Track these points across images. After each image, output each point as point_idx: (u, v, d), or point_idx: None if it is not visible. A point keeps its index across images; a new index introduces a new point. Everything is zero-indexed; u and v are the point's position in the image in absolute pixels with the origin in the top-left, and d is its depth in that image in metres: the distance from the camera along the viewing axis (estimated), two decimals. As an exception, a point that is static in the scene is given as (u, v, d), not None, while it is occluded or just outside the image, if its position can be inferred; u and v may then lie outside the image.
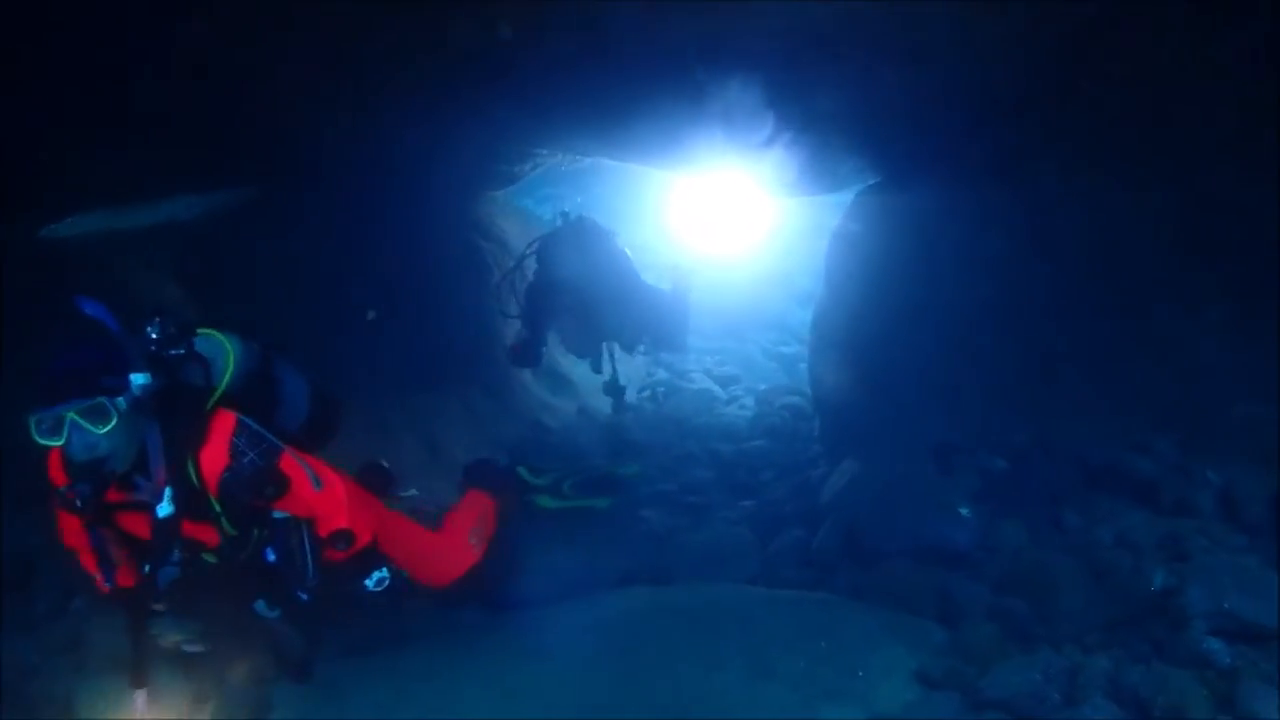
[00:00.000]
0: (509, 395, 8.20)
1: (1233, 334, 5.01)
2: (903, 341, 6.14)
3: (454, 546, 4.49)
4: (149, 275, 5.94)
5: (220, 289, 6.04)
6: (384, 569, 3.86)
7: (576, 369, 9.54)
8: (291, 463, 3.55)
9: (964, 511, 4.85)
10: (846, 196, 7.27)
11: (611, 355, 7.70)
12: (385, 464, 4.73)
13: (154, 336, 3.48)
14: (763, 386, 9.88)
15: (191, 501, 3.40)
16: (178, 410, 3.41)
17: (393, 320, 6.62)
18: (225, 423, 3.44)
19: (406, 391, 6.98)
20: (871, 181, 6.87)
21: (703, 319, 11.43)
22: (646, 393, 10.22)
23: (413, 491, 4.92)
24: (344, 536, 3.66)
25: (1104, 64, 4.95)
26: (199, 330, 3.65)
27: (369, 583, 3.84)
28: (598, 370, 7.74)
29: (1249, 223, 4.91)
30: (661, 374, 10.89)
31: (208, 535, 3.56)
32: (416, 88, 5.14)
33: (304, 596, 3.73)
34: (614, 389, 7.88)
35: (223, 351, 3.64)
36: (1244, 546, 4.30)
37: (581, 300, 7.09)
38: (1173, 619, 3.70)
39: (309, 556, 3.68)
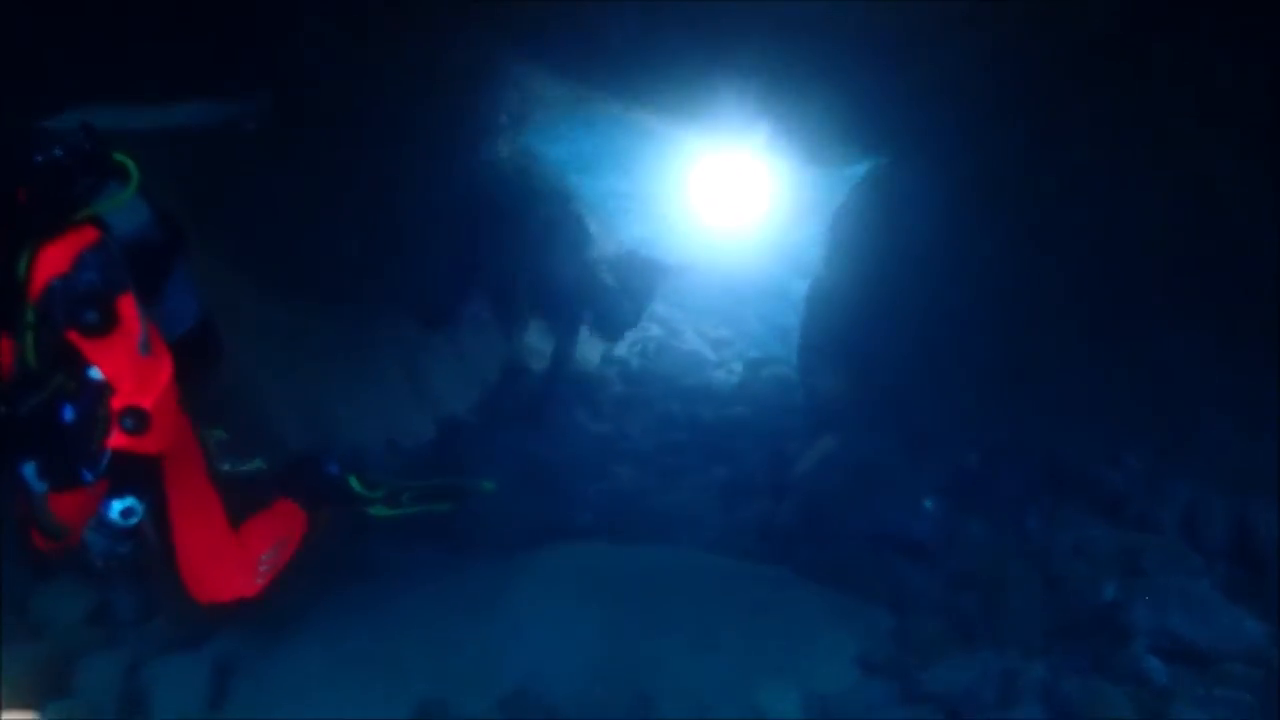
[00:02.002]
0: (495, 336, 8.18)
1: (1217, 354, 4.99)
2: (892, 325, 6.14)
3: (240, 565, 3.71)
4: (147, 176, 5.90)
5: (222, 204, 6.00)
6: (141, 501, 3.23)
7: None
8: (131, 309, 3.10)
9: (927, 504, 4.87)
10: (860, 172, 7.23)
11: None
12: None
13: (58, 154, 3.08)
14: (753, 354, 9.89)
15: (3, 293, 3.01)
16: (43, 202, 3.04)
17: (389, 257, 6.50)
18: (86, 234, 3.07)
19: (393, 320, 6.97)
20: (883, 160, 6.81)
21: (701, 279, 11.45)
22: (637, 347, 10.23)
23: (219, 433, 4.19)
24: (137, 418, 3.09)
25: (1121, 62, 4.89)
26: (117, 159, 3.25)
27: (114, 506, 3.18)
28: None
29: (1245, 243, 4.88)
30: (655, 330, 10.89)
31: (3, 352, 3.15)
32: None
33: (88, 477, 3.29)
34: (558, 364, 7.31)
35: (125, 199, 3.23)
36: (1200, 569, 4.31)
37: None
38: (1116, 633, 3.71)
39: (105, 433, 3.18)
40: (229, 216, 5.84)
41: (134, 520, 3.20)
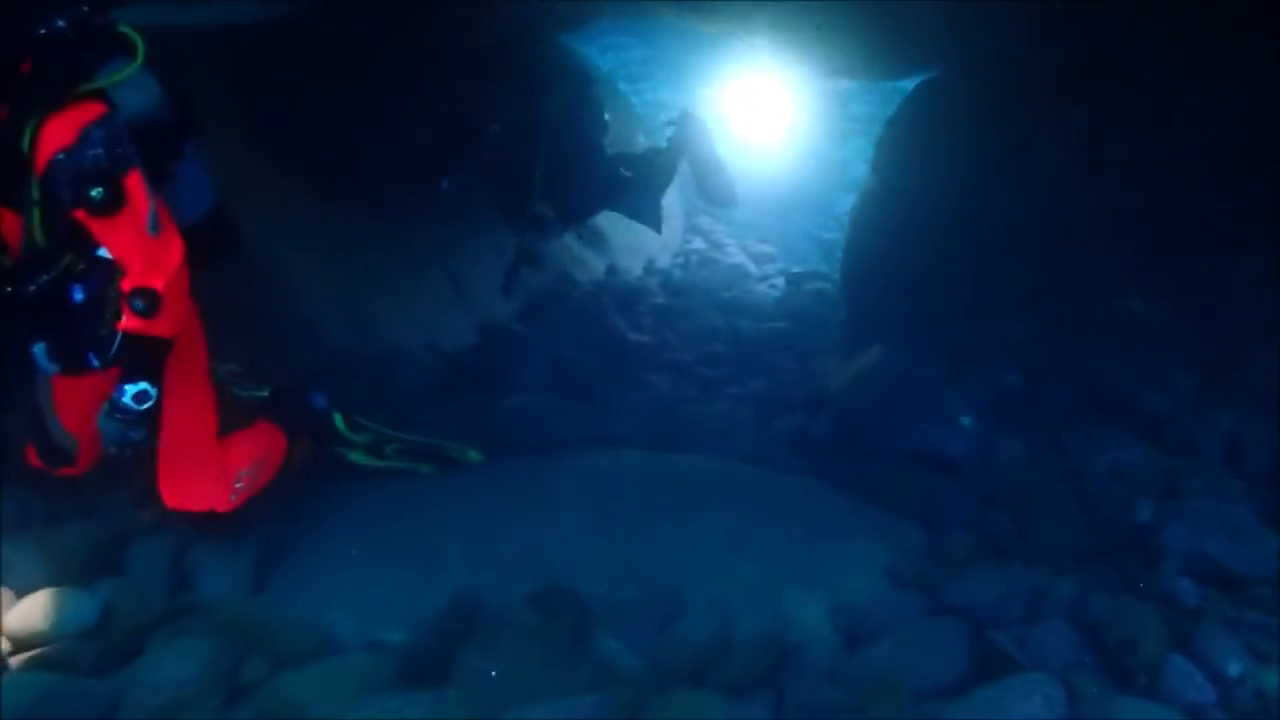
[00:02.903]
0: (541, 243, 8.13)
1: (1267, 283, 4.88)
2: (938, 243, 6.05)
3: (218, 476, 3.61)
4: (192, 71, 5.89)
5: (265, 100, 5.99)
6: (155, 386, 3.16)
7: (614, 225, 9.48)
8: (139, 187, 3.01)
9: (965, 421, 4.85)
10: (908, 87, 7.05)
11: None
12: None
13: (61, 26, 2.94)
14: (796, 269, 9.80)
15: (7, 167, 2.93)
16: (46, 75, 2.93)
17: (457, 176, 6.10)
18: (91, 108, 2.96)
19: (435, 224, 6.96)
20: (933, 75, 6.64)
21: (746, 193, 11.32)
22: (680, 259, 10.18)
23: (231, 366, 4.18)
24: (148, 299, 3.03)
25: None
26: (123, 33, 3.11)
27: (127, 390, 3.12)
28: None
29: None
30: (698, 243, 10.83)
31: (9, 228, 3.08)
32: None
33: (94, 363, 3.26)
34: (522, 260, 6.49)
35: (131, 74, 3.09)
36: (1239, 494, 4.28)
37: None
38: (1148, 554, 3.71)
39: (116, 315, 3.11)
40: (275, 113, 5.85)
41: (148, 405, 3.16)
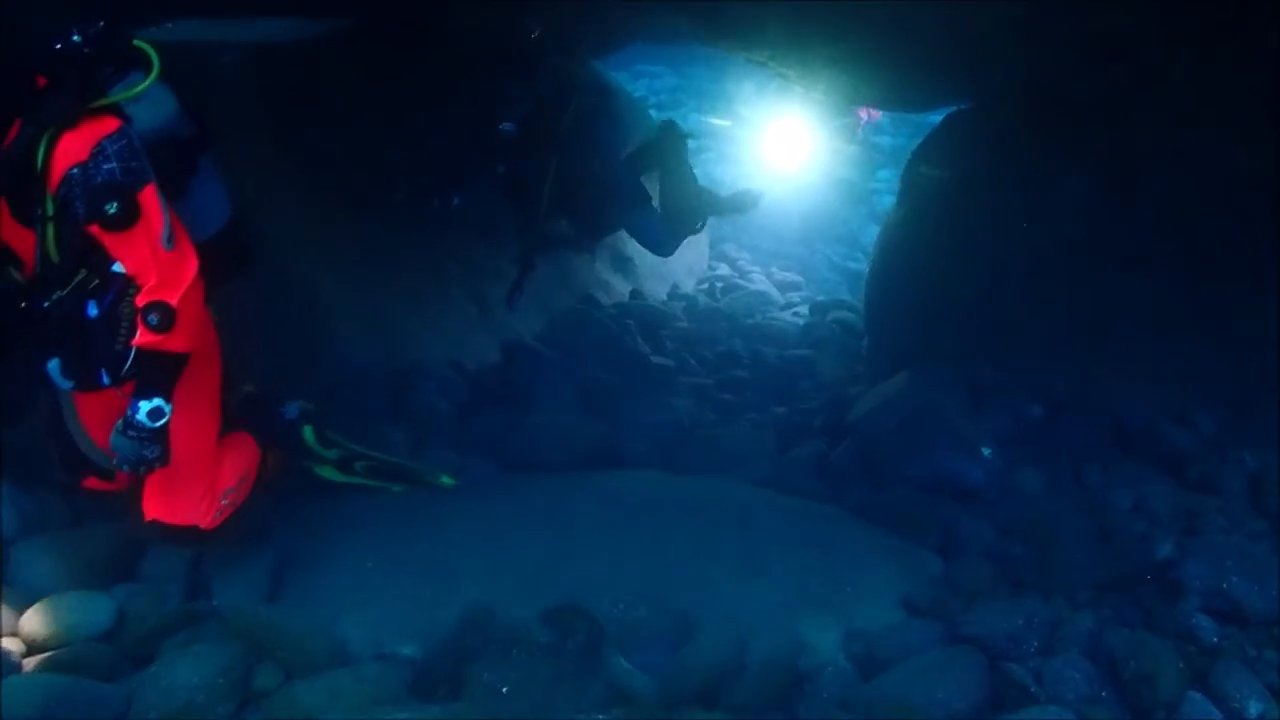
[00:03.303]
0: (566, 264, 8.19)
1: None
2: (963, 272, 6.04)
3: (204, 493, 3.55)
4: (232, 88, 5.99)
5: (297, 116, 6.07)
6: (169, 403, 3.15)
7: (640, 249, 9.52)
8: (154, 201, 3.00)
9: (985, 451, 4.82)
10: (936, 119, 7.06)
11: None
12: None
13: (76, 41, 2.97)
14: (821, 298, 9.81)
15: (21, 182, 2.92)
16: (61, 89, 2.93)
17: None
18: (106, 123, 2.96)
19: (460, 241, 7.01)
20: (962, 106, 6.65)
21: (773, 223, 11.35)
22: (704, 285, 10.21)
23: (248, 386, 4.12)
24: (162, 314, 3.01)
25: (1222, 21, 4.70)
26: (139, 47, 3.11)
27: (141, 406, 3.11)
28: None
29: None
30: (723, 269, 10.86)
31: (23, 244, 3.05)
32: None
33: (105, 380, 3.22)
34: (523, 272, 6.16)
35: (146, 89, 3.09)
36: (1262, 532, 4.25)
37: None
38: (1168, 590, 3.67)
39: (131, 330, 3.09)
40: (306, 130, 5.92)
41: (162, 422, 3.14)
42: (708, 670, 3.37)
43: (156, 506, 3.51)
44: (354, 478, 4.30)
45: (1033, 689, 3.20)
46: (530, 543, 3.94)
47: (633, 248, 9.45)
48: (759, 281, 10.58)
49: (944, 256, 6.21)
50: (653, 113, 12.43)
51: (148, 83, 3.06)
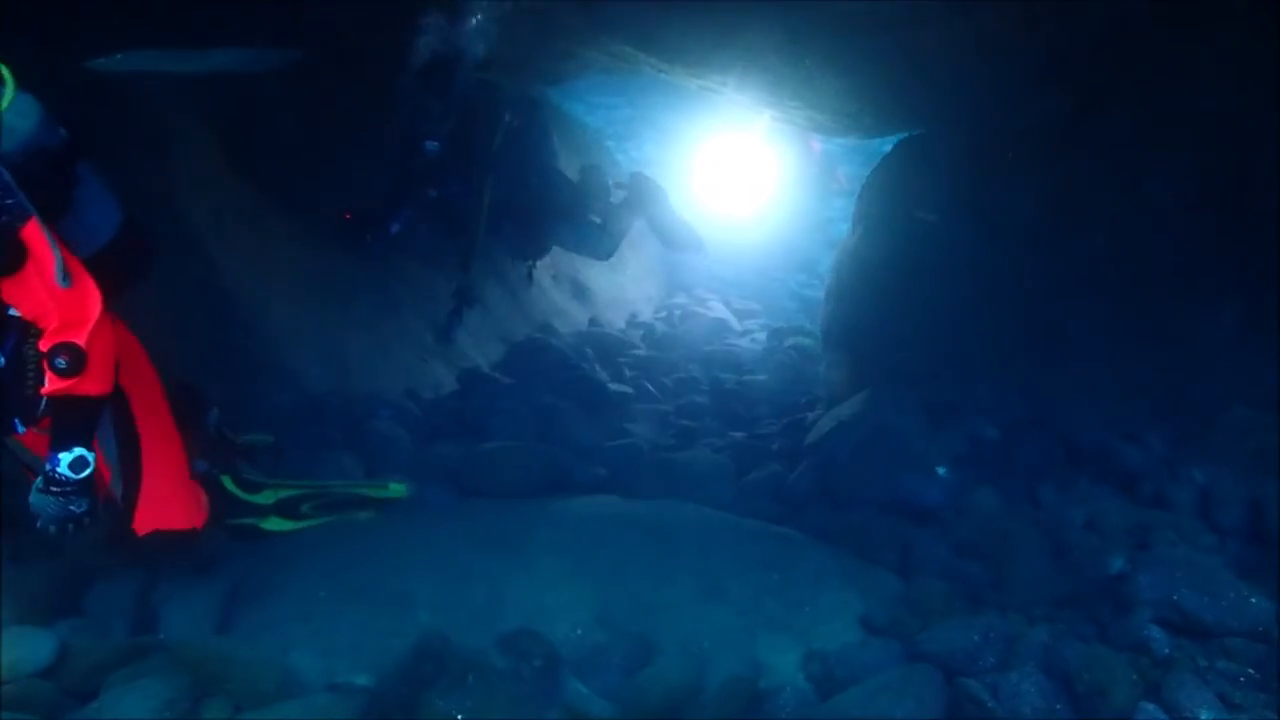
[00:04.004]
0: (524, 292, 8.18)
1: (1243, 336, 4.94)
2: (918, 296, 6.09)
3: (189, 495, 3.54)
4: (182, 117, 5.95)
5: (253, 142, 6.04)
6: (92, 451, 2.96)
7: (598, 278, 9.55)
8: (39, 237, 2.76)
9: (941, 471, 4.86)
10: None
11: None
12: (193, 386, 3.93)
13: None
14: (778, 324, 9.87)
15: None
16: None
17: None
18: None
19: (417, 271, 6.99)
20: (913, 132, 6.74)
21: (730, 252, 11.43)
22: (663, 314, 10.24)
23: (215, 411, 4.00)
24: (71, 357, 2.79)
25: (1154, 39, 4.82)
26: None
27: (60, 459, 2.91)
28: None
29: (1273, 224, 4.81)
30: (681, 298, 10.91)
31: None
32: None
33: (19, 429, 3.04)
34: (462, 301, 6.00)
35: (4, 106, 2.86)
36: (1213, 546, 4.30)
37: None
38: (1120, 603, 3.69)
39: (39, 377, 2.87)
40: (256, 155, 5.89)
41: (87, 472, 2.93)
42: (667, 693, 3.35)
43: (149, 520, 3.39)
44: (305, 521, 4.14)
45: (989, 704, 3.20)
46: (487, 569, 3.89)
47: (589, 276, 9.50)
48: (717, 309, 10.63)
49: (898, 280, 6.27)
50: (609, 144, 12.54)
51: (5, 101, 2.85)
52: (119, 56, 6.17)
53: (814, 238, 13.26)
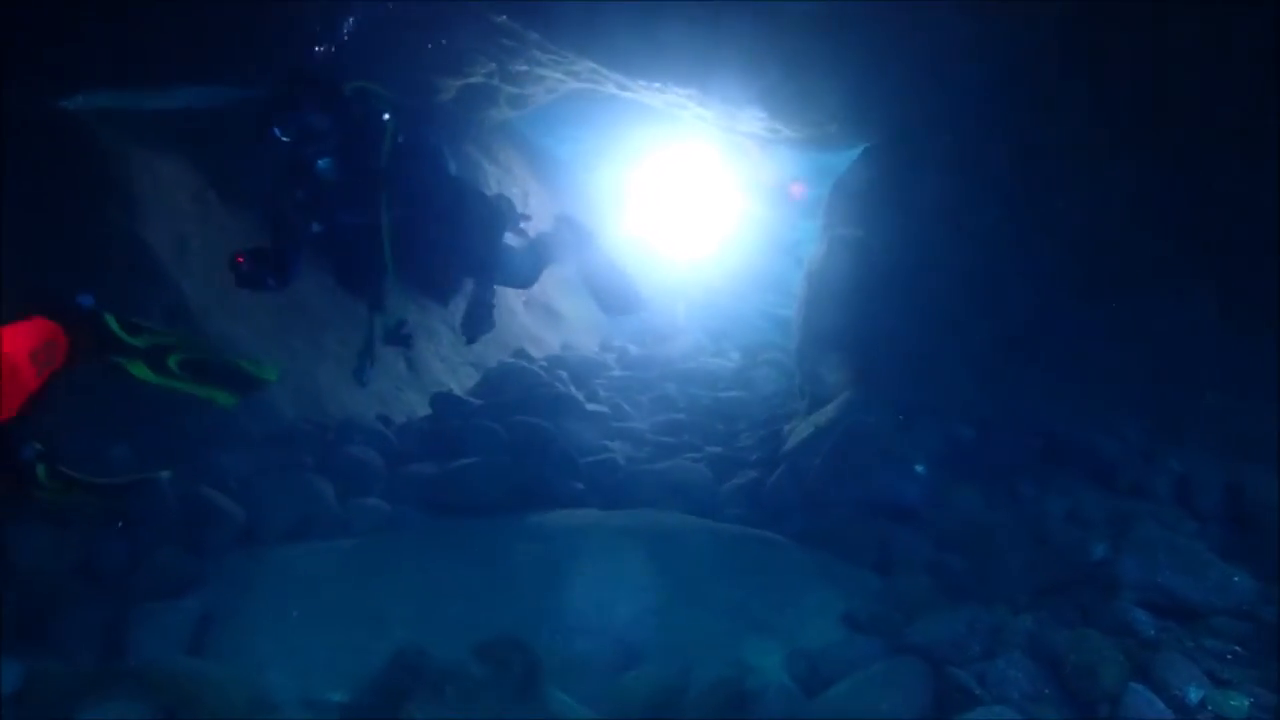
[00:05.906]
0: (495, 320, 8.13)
1: (1215, 326, 4.97)
2: (887, 303, 6.09)
3: (12, 361, 3.19)
4: (141, 150, 5.91)
5: (219, 175, 6.00)
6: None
7: (569, 303, 9.52)
8: None
9: (919, 469, 4.83)
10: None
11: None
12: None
13: None
14: (751, 342, 9.86)
15: None
16: None
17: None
18: None
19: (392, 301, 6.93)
20: (875, 141, 6.78)
21: (701, 275, 11.45)
22: (635, 336, 10.22)
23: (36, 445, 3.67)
24: None
25: (1110, 38, 4.87)
26: None
27: None
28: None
29: (1245, 218, 4.86)
30: (654, 320, 10.88)
31: None
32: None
33: None
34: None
35: None
36: (1193, 532, 4.29)
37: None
38: (1104, 587, 3.68)
39: None
40: (224, 185, 5.86)
41: None
42: (651, 696, 3.30)
43: None
44: (170, 380, 3.76)
45: (977, 691, 3.17)
46: (464, 583, 3.84)
47: (561, 301, 9.48)
48: (690, 330, 10.61)
49: (866, 289, 6.27)
50: (581, 173, 12.59)
51: None
52: (79, 98, 6.17)
53: (783, 258, 13.33)
